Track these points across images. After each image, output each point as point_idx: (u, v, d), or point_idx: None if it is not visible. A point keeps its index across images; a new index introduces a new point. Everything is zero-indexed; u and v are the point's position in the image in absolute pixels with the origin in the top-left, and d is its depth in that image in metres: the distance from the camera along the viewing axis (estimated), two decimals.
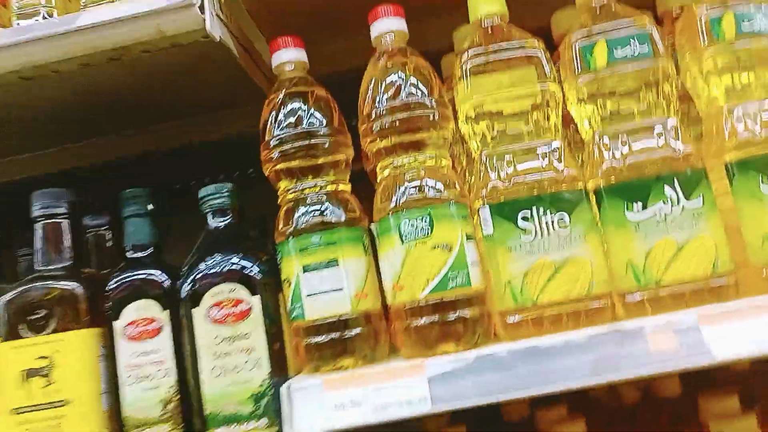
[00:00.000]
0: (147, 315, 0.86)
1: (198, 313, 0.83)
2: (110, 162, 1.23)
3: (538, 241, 0.74)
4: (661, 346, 0.67)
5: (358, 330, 0.79)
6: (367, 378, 0.72)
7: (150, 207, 0.93)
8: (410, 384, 0.70)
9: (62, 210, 0.91)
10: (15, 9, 0.95)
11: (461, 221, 0.77)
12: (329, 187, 0.84)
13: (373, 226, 0.83)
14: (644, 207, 0.73)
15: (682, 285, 0.71)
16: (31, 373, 0.83)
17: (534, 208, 0.74)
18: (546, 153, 0.77)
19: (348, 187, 0.87)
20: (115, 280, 0.88)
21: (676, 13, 0.89)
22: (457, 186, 0.79)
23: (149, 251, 0.92)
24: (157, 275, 0.89)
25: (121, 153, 1.21)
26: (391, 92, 0.80)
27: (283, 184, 0.85)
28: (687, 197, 0.73)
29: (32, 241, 0.90)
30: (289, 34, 0.89)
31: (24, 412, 0.82)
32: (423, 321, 0.74)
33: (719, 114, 0.77)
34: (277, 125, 0.84)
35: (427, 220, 0.76)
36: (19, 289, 0.86)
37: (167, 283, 0.88)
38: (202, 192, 0.91)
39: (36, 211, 0.90)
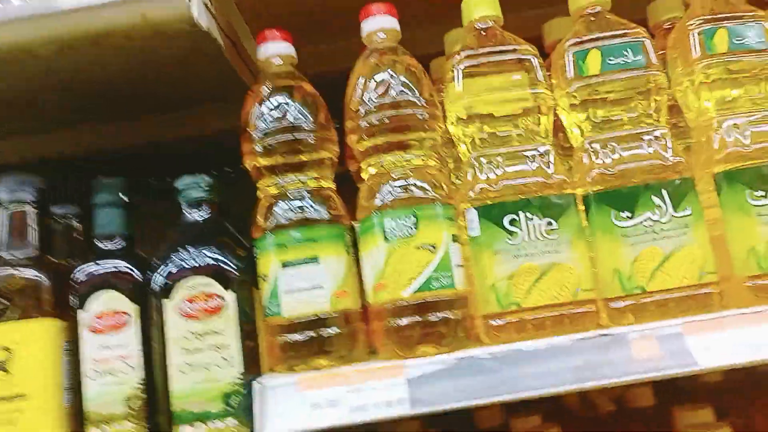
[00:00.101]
0: (114, 307, 0.82)
1: (169, 306, 0.79)
2: (94, 152, 1.18)
3: (525, 245, 0.73)
4: (644, 353, 0.66)
5: (336, 329, 0.76)
6: (344, 377, 0.69)
7: (122, 197, 0.89)
8: (389, 385, 0.68)
9: (28, 197, 0.87)
10: None
11: (447, 222, 0.76)
12: (312, 183, 0.82)
13: (356, 225, 0.81)
14: (632, 215, 0.73)
15: (667, 293, 0.71)
16: None
17: (521, 212, 0.74)
18: (535, 157, 0.77)
19: (332, 185, 0.85)
20: (81, 270, 0.84)
21: (668, 27, 0.90)
22: (444, 187, 0.78)
23: (120, 242, 0.88)
24: (127, 267, 0.85)
25: (102, 144, 1.17)
26: (381, 90, 0.79)
27: (264, 178, 0.83)
28: (675, 207, 0.73)
29: None
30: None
31: None
32: (405, 321, 0.72)
33: (709, 126, 0.78)
34: (260, 117, 0.82)
35: (413, 219, 0.74)
36: None
37: (137, 276, 0.84)
38: (178, 183, 0.88)
39: (0, 195, 0.87)
